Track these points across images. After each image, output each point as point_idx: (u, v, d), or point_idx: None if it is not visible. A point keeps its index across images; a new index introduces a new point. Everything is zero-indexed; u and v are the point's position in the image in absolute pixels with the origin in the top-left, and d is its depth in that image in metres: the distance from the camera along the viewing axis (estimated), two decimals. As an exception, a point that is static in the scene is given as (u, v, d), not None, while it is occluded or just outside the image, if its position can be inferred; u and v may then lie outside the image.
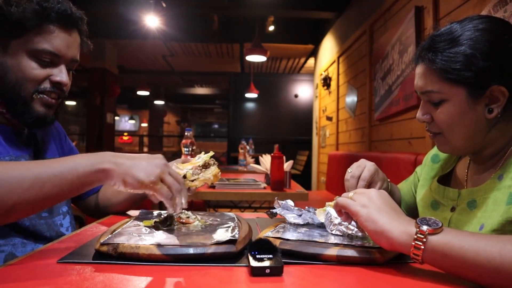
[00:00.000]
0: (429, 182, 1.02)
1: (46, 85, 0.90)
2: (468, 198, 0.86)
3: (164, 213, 0.95)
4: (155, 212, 0.98)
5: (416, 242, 0.58)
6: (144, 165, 0.73)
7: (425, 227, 0.58)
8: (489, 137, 0.83)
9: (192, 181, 0.85)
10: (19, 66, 0.86)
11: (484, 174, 0.87)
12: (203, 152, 0.94)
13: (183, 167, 0.87)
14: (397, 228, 0.61)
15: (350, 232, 0.74)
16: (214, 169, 0.87)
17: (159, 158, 0.77)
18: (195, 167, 0.87)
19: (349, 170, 0.99)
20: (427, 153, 1.12)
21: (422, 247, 0.58)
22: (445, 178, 0.99)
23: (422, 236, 0.58)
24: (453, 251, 0.56)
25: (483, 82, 0.76)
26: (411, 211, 1.14)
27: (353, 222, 0.74)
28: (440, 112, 0.82)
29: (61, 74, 0.91)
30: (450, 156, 1.01)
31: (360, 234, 0.74)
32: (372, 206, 0.65)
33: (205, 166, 0.87)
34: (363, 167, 0.98)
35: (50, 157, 1.02)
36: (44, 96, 0.90)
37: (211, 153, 0.91)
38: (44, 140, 1.05)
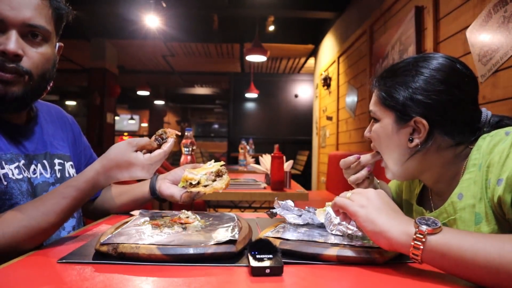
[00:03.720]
0: (412, 194, 1.04)
1: None
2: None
3: (164, 214, 0.95)
4: (156, 212, 0.98)
5: (415, 242, 0.58)
6: (137, 175, 0.85)
7: (424, 227, 0.58)
8: (417, 165, 0.86)
9: (205, 186, 0.86)
10: None
11: (443, 196, 0.88)
12: (213, 160, 0.96)
13: (197, 172, 0.88)
14: (396, 228, 0.61)
15: (350, 231, 0.74)
16: (226, 178, 0.88)
17: (144, 169, 0.85)
18: (209, 173, 0.88)
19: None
20: None
21: (421, 247, 0.58)
22: (422, 197, 0.99)
23: (421, 236, 0.58)
24: (451, 251, 0.56)
25: (407, 112, 0.83)
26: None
27: (352, 222, 0.74)
28: (373, 131, 0.92)
29: (6, 42, 0.77)
30: None
31: (360, 233, 0.74)
32: (371, 206, 0.65)
33: (218, 173, 0.88)
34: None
35: (59, 154, 1.00)
36: None
37: (222, 162, 0.93)
38: (54, 136, 1.02)
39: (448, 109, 0.81)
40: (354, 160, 1.00)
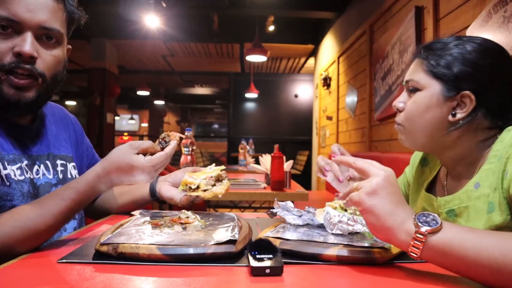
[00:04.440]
0: (421, 186, 1.03)
1: (9, 59, 0.78)
2: (445, 206, 0.88)
3: (164, 214, 0.95)
4: (156, 212, 0.98)
5: (415, 242, 0.58)
6: (139, 179, 0.83)
7: (424, 228, 0.58)
8: (450, 141, 0.85)
9: (204, 190, 0.86)
10: None
11: (459, 181, 0.89)
12: (214, 164, 0.95)
13: (197, 176, 0.88)
14: (397, 224, 0.60)
15: (350, 228, 0.74)
16: (226, 184, 0.88)
17: (145, 173, 0.83)
18: (208, 178, 0.87)
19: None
20: (413, 154, 1.13)
21: (421, 247, 0.58)
22: (432, 185, 0.99)
23: (421, 237, 0.58)
24: (453, 250, 0.56)
25: (457, 85, 0.82)
26: None
27: (352, 218, 0.75)
28: (412, 101, 0.87)
29: (22, 43, 0.77)
30: (436, 160, 1.02)
31: (360, 230, 0.74)
32: (376, 198, 0.62)
33: (218, 178, 0.88)
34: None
35: (61, 155, 1.00)
36: (11, 76, 0.78)
37: (223, 167, 0.92)
38: (57, 136, 1.01)
39: (497, 89, 0.81)
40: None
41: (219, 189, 0.86)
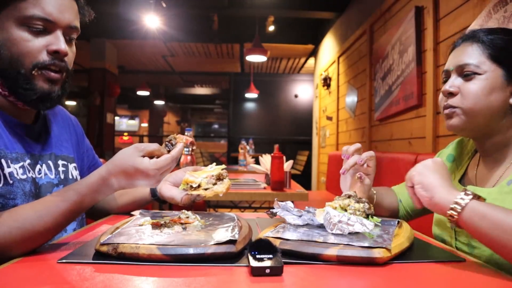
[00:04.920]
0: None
1: (45, 57, 0.82)
2: None
3: (164, 214, 0.95)
4: (156, 212, 0.98)
5: (457, 200, 0.64)
6: (145, 183, 0.81)
7: (469, 192, 0.65)
8: (501, 125, 0.88)
9: (205, 189, 0.86)
10: (11, 39, 0.80)
11: (491, 173, 0.91)
12: (214, 163, 0.95)
13: (198, 175, 0.88)
14: (443, 186, 0.68)
15: (350, 228, 0.74)
16: (227, 182, 0.88)
17: (151, 177, 0.80)
18: (209, 176, 0.87)
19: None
20: (438, 153, 1.13)
21: (463, 204, 0.63)
22: (461, 180, 1.01)
23: (466, 197, 0.63)
24: (493, 213, 0.61)
25: None
26: (414, 212, 1.14)
27: (352, 217, 0.76)
28: (473, 84, 0.87)
29: (57, 42, 0.83)
30: (464, 155, 1.03)
31: (360, 230, 0.74)
32: (425, 171, 0.75)
33: (218, 177, 0.88)
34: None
35: (63, 156, 1.00)
36: (45, 71, 0.83)
37: (224, 166, 0.92)
38: (59, 137, 1.02)
39: None
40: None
41: (220, 188, 0.86)
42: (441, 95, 0.95)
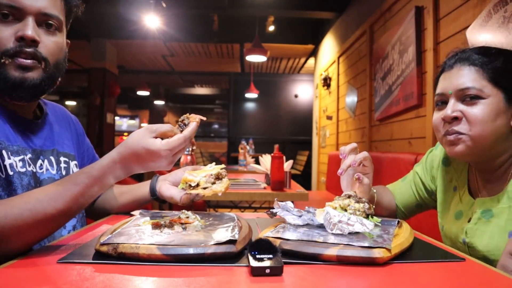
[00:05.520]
0: (449, 185, 1.05)
1: (12, 45, 0.80)
2: (482, 207, 0.89)
3: (164, 214, 0.95)
4: (156, 212, 0.98)
5: None
6: (158, 167, 0.79)
7: None
8: (504, 147, 0.88)
9: (204, 188, 0.86)
10: None
11: (493, 185, 0.91)
12: (214, 163, 0.95)
13: (197, 174, 0.88)
14: None
15: (350, 228, 0.74)
16: (226, 182, 0.88)
17: (163, 158, 0.78)
18: (208, 175, 0.87)
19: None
20: (426, 153, 1.13)
21: None
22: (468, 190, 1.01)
23: None
24: None
25: None
26: (408, 210, 1.14)
27: (352, 217, 0.75)
28: (477, 109, 0.86)
29: (24, 28, 0.80)
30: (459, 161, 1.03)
31: (360, 230, 0.74)
32: None
33: (217, 176, 0.87)
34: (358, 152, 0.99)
35: (65, 152, 1.01)
36: (15, 59, 0.81)
37: (223, 166, 0.92)
38: (60, 134, 1.02)
39: None
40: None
41: (219, 187, 0.86)
42: (438, 120, 0.92)
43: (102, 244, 0.66)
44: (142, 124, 15.37)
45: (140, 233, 0.73)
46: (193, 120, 0.84)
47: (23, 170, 0.84)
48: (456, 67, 0.90)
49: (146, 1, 4.72)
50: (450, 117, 0.88)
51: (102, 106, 6.65)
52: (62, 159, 0.99)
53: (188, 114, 0.86)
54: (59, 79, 0.93)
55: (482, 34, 1.88)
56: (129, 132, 14.92)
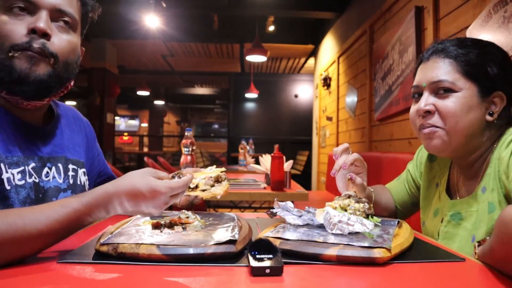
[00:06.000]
0: (431, 182, 1.04)
1: (23, 38, 0.78)
2: (452, 209, 0.89)
3: (164, 214, 0.95)
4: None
5: None
6: (150, 209, 0.73)
7: None
8: (479, 142, 0.87)
9: (203, 190, 0.86)
10: None
11: (469, 183, 0.90)
12: (214, 166, 0.95)
13: (197, 175, 0.88)
14: None
15: (350, 228, 0.74)
16: (225, 185, 0.88)
17: (162, 196, 0.73)
18: (208, 178, 0.87)
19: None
20: (418, 149, 1.13)
21: None
22: (447, 184, 1.00)
23: None
24: None
25: (492, 85, 0.84)
26: (405, 208, 1.14)
27: (352, 217, 0.76)
28: (450, 102, 0.84)
29: (36, 21, 0.78)
30: (444, 158, 1.02)
31: (360, 230, 0.74)
32: None
33: (217, 179, 0.88)
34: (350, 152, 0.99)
35: (74, 160, 0.98)
36: (24, 51, 0.78)
37: (223, 169, 0.92)
38: (71, 140, 0.98)
39: None
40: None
41: (218, 190, 0.86)
42: (413, 113, 0.91)
43: (102, 244, 0.66)
44: (142, 124, 15.38)
45: (140, 233, 0.73)
46: (187, 174, 0.83)
47: (21, 182, 0.81)
48: (432, 59, 0.89)
49: (146, 1, 4.72)
50: (423, 110, 0.87)
51: (102, 106, 6.65)
52: (70, 166, 0.96)
53: (181, 171, 0.86)
54: (70, 82, 0.90)
55: (482, 34, 1.88)
56: (129, 132, 14.94)
